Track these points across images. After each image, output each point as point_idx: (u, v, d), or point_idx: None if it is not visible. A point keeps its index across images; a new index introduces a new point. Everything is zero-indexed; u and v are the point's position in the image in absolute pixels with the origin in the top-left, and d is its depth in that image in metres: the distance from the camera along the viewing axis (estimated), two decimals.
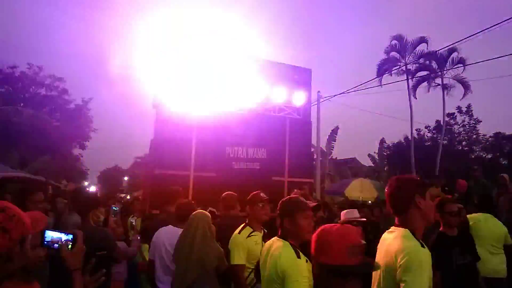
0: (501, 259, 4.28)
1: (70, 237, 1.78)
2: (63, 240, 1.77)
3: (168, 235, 3.66)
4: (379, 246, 2.10)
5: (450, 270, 3.23)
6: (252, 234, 3.36)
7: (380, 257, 2.00)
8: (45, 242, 1.75)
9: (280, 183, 8.47)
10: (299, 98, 8.63)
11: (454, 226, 3.52)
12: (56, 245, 1.76)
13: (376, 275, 2.00)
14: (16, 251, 1.32)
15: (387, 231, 2.10)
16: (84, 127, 27.94)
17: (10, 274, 1.30)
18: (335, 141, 26.11)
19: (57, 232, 1.79)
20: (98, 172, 47.93)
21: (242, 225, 3.46)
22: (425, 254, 1.82)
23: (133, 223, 6.74)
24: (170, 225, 3.76)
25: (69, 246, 1.77)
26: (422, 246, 1.85)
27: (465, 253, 3.37)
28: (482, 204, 4.66)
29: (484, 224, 4.37)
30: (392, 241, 1.93)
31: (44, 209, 2.79)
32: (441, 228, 3.56)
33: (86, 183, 31.51)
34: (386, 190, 2.11)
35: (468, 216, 4.51)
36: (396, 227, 2.02)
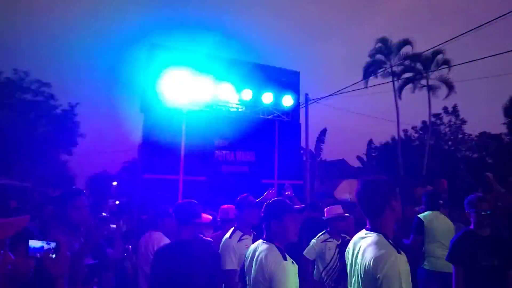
0: None
1: (53, 245, 1.78)
2: (45, 249, 1.76)
3: (145, 240, 3.66)
4: (350, 248, 2.09)
5: (474, 269, 3.16)
6: (242, 238, 3.34)
7: (355, 262, 1.99)
8: (29, 252, 1.74)
9: (270, 185, 8.47)
10: (287, 101, 8.66)
11: (486, 226, 3.33)
12: (38, 253, 1.75)
13: (354, 281, 2.00)
14: None
15: (358, 234, 2.07)
16: (71, 132, 27.60)
17: None
18: (323, 143, 26.29)
19: (39, 241, 1.78)
20: (86, 177, 47.29)
21: (232, 229, 3.44)
22: (402, 262, 1.81)
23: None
24: (149, 231, 3.73)
25: (53, 255, 1.76)
26: (398, 252, 1.84)
27: (493, 255, 3.20)
28: (429, 202, 4.75)
29: (435, 222, 4.48)
30: (367, 247, 1.90)
31: (87, 215, 2.67)
32: (471, 226, 3.41)
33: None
34: (358, 193, 2.06)
35: (419, 215, 4.61)
36: (369, 232, 1.99)
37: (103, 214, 5.37)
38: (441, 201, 4.94)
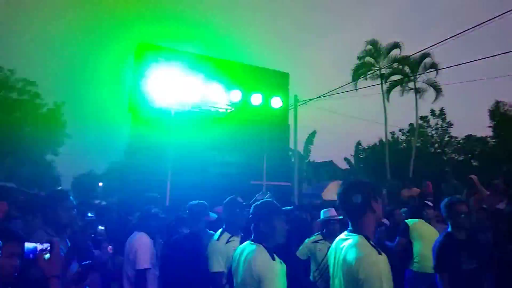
0: None
1: (46, 246, 1.80)
2: (38, 250, 1.78)
3: (129, 242, 3.63)
4: (333, 250, 2.11)
5: (457, 274, 3.13)
6: (230, 239, 3.32)
7: (339, 265, 2.00)
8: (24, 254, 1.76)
9: (258, 187, 8.47)
10: (276, 102, 8.68)
11: (463, 228, 3.29)
12: (31, 255, 1.77)
13: (336, 282, 2.01)
14: None
15: (341, 237, 2.08)
16: (57, 132, 27.20)
17: None
18: (312, 145, 26.38)
19: (32, 243, 1.80)
20: (71, 178, 46.73)
21: (220, 231, 3.42)
22: (383, 263, 1.82)
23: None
24: (142, 233, 3.70)
25: (46, 255, 1.78)
26: (379, 253, 1.85)
27: (471, 259, 3.19)
28: (411, 212, 4.81)
29: (421, 225, 4.55)
30: (350, 249, 1.92)
31: (74, 217, 2.64)
32: (449, 229, 3.36)
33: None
34: (339, 195, 2.08)
35: (406, 221, 4.67)
36: (351, 233, 2.01)
37: (89, 215, 5.29)
38: (430, 203, 4.99)
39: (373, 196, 2.00)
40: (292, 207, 5.90)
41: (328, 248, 3.97)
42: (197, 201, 3.72)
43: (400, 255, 4.47)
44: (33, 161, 22.63)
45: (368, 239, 1.93)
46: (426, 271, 4.26)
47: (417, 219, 4.66)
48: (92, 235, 4.32)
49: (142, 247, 3.52)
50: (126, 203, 7.06)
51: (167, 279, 3.80)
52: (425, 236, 4.41)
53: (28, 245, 1.78)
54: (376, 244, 1.93)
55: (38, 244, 1.79)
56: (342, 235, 2.07)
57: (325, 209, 4.32)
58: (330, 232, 4.11)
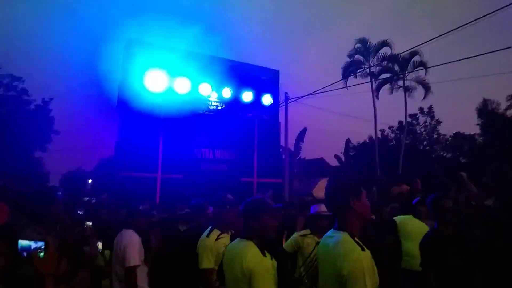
0: None
1: (41, 244, 1.81)
2: (32, 248, 1.79)
3: (117, 239, 3.59)
4: (320, 248, 2.12)
5: (444, 270, 3.13)
6: (220, 236, 3.32)
7: (324, 262, 2.02)
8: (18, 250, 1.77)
9: (249, 184, 8.48)
10: (267, 99, 8.68)
11: (449, 224, 3.29)
12: (24, 253, 1.78)
13: (322, 278, 2.03)
14: None
15: (327, 235, 2.10)
16: (45, 128, 26.84)
17: None
18: (303, 142, 26.44)
19: (26, 241, 1.81)
20: (60, 175, 46.16)
21: (210, 228, 3.41)
22: (366, 259, 1.84)
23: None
24: (130, 230, 3.67)
25: (41, 253, 1.78)
26: (362, 249, 1.86)
27: (458, 255, 3.19)
28: (403, 206, 4.84)
29: (410, 222, 4.55)
30: (334, 246, 1.94)
31: (61, 214, 2.62)
32: (436, 226, 3.36)
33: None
34: (325, 192, 2.10)
35: (394, 218, 4.69)
36: (335, 231, 2.02)
37: (79, 212, 5.24)
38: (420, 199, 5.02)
39: (352, 195, 2.00)
40: (281, 204, 5.91)
41: (316, 243, 3.99)
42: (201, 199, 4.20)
43: (389, 252, 4.49)
44: (21, 158, 22.29)
45: (352, 235, 1.94)
46: (412, 268, 4.31)
47: (407, 215, 4.68)
48: (81, 232, 4.28)
49: (131, 244, 3.47)
50: (115, 200, 7.02)
51: (160, 276, 3.80)
52: (412, 233, 4.41)
53: (23, 242, 1.78)
54: (363, 241, 1.94)
55: (33, 242, 1.79)
56: (329, 232, 2.09)
57: (314, 205, 4.31)
58: (318, 227, 4.09)
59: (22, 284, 2.08)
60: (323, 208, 4.19)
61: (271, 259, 2.30)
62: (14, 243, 1.77)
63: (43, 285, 1.75)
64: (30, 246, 1.79)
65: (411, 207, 4.77)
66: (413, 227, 4.50)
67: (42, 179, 31.06)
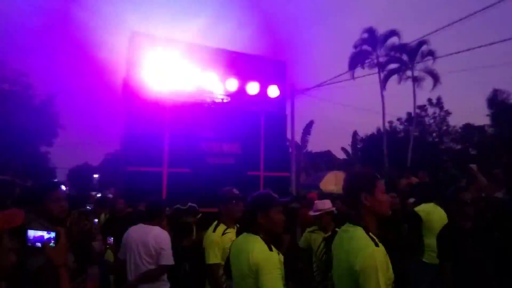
0: None
1: (52, 234, 1.81)
2: (45, 238, 1.80)
3: (140, 233, 3.56)
4: (335, 243, 2.12)
5: (461, 263, 3.11)
6: (226, 231, 3.32)
7: (338, 256, 2.02)
8: (28, 242, 1.78)
9: (256, 177, 8.39)
10: (273, 92, 8.54)
11: (468, 217, 3.27)
12: (38, 243, 1.78)
13: (336, 274, 2.04)
14: None
15: (343, 228, 2.09)
16: (51, 123, 27.01)
17: None
18: (309, 135, 26.36)
19: (39, 231, 1.82)
20: (67, 170, 46.65)
21: (215, 223, 3.38)
22: (380, 254, 1.84)
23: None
24: (140, 224, 3.66)
25: (52, 244, 1.79)
26: (376, 244, 1.86)
27: (476, 247, 3.16)
28: (422, 193, 4.71)
29: (433, 216, 4.44)
30: (348, 241, 1.94)
31: (66, 208, 2.57)
32: (454, 219, 3.36)
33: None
34: (342, 187, 2.14)
35: (416, 209, 4.57)
36: (350, 225, 2.02)
37: (88, 207, 5.21)
38: (411, 200, 4.92)
39: (364, 190, 1.98)
40: (289, 198, 5.84)
41: (323, 238, 3.97)
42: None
43: (405, 246, 4.41)
44: (27, 152, 22.45)
45: (366, 230, 1.92)
46: (434, 262, 4.21)
47: (426, 203, 4.55)
48: (89, 228, 4.27)
49: (166, 243, 3.53)
50: (124, 196, 6.98)
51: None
52: (436, 225, 4.29)
53: (35, 233, 1.80)
54: (378, 235, 1.93)
55: (45, 232, 1.80)
56: (345, 226, 2.08)
57: (317, 201, 4.29)
58: (322, 224, 4.10)
59: (30, 277, 2.06)
60: (327, 204, 4.14)
61: (278, 254, 2.28)
62: (23, 238, 1.76)
63: (55, 276, 1.76)
64: (42, 237, 1.80)
65: (429, 193, 4.67)
66: (437, 221, 4.35)
67: (49, 174, 31.33)
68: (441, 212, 4.50)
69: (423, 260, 4.37)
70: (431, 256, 4.29)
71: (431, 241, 4.26)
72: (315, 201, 4.32)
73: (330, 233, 3.98)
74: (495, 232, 3.84)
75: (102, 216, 6.90)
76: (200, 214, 5.89)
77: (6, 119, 18.92)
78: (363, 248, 1.83)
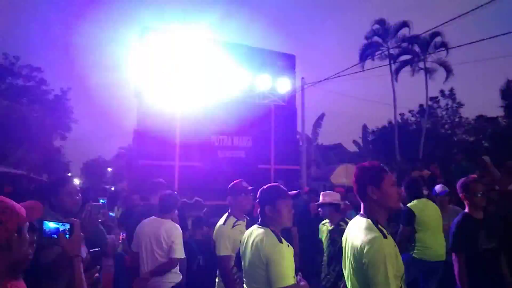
0: (442, 242, 4.37)
1: (67, 226, 1.85)
2: (60, 230, 1.83)
3: (152, 226, 3.62)
4: (347, 233, 2.13)
5: (475, 254, 3.14)
6: (236, 223, 3.33)
7: (348, 248, 2.03)
8: (44, 234, 1.81)
9: (266, 170, 8.43)
10: (283, 85, 8.54)
11: (480, 208, 3.29)
12: (54, 235, 1.82)
13: (346, 266, 2.06)
14: (14, 240, 1.34)
15: (353, 220, 2.12)
16: (64, 117, 27.40)
17: None
18: (320, 128, 26.23)
19: (54, 223, 1.85)
20: (80, 163, 47.25)
21: (226, 215, 3.41)
22: (388, 246, 1.84)
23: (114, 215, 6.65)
24: (153, 216, 3.71)
25: (67, 235, 1.83)
26: (385, 236, 1.86)
27: (490, 238, 3.19)
28: (411, 190, 4.66)
29: (426, 212, 4.41)
30: (357, 233, 1.95)
31: (79, 201, 2.65)
32: (467, 210, 3.36)
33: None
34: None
35: (408, 205, 4.52)
36: (360, 217, 2.04)
37: (101, 201, 5.28)
38: (425, 192, 4.87)
39: (370, 183, 2.00)
40: (298, 191, 5.88)
41: (328, 231, 4.00)
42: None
43: (399, 242, 4.41)
44: (42, 147, 22.81)
45: (375, 222, 1.94)
46: (425, 258, 4.27)
47: (418, 199, 4.49)
48: (100, 221, 4.32)
49: (178, 237, 3.59)
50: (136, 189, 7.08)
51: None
52: (429, 221, 4.34)
53: (50, 224, 1.82)
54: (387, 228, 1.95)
55: (60, 224, 1.84)
56: (355, 218, 2.10)
57: (322, 192, 4.30)
58: (327, 215, 4.11)
59: (45, 268, 2.14)
60: (330, 196, 4.14)
61: (288, 246, 2.29)
62: (40, 230, 1.79)
63: (70, 267, 1.79)
64: (58, 229, 1.83)
65: (418, 189, 4.64)
66: (430, 217, 4.40)
67: (63, 168, 31.78)
68: (434, 207, 4.50)
69: (413, 255, 4.36)
70: (420, 251, 4.33)
71: (423, 236, 4.33)
72: (321, 193, 4.32)
73: (333, 226, 4.00)
74: (508, 222, 3.86)
75: (115, 209, 7.01)
76: (206, 209, 5.98)
77: (20, 114, 19.23)
78: (372, 241, 1.84)
